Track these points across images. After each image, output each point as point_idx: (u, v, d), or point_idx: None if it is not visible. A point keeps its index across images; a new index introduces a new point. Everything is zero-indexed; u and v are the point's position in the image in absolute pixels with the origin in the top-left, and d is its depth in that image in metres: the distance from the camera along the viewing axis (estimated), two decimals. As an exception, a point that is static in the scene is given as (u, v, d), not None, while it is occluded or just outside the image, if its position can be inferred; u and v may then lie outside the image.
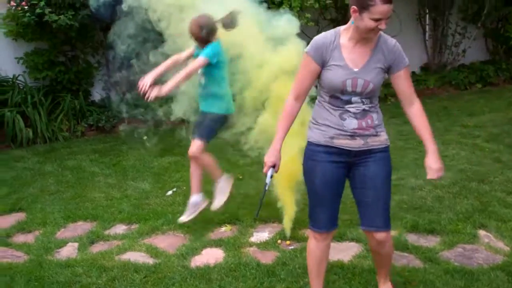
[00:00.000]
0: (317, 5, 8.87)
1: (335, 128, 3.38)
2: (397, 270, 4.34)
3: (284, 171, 4.97)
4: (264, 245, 4.92)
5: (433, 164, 3.64)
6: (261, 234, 5.15)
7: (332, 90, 3.33)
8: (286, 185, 5.04)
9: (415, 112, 3.64)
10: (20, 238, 5.36)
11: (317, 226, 3.66)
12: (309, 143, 3.51)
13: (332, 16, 10.49)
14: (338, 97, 3.34)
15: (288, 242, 4.94)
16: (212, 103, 5.05)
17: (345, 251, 4.72)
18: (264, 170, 3.51)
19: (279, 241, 4.97)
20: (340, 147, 3.41)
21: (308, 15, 8.89)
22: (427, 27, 11.91)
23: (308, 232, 3.81)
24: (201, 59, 4.76)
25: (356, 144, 3.42)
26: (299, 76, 3.43)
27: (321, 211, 3.63)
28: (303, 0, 8.81)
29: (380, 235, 3.57)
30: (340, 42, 3.30)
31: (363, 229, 3.65)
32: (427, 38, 11.89)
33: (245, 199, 5.88)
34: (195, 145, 5.01)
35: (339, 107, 3.37)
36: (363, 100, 3.39)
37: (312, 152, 3.48)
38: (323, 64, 3.31)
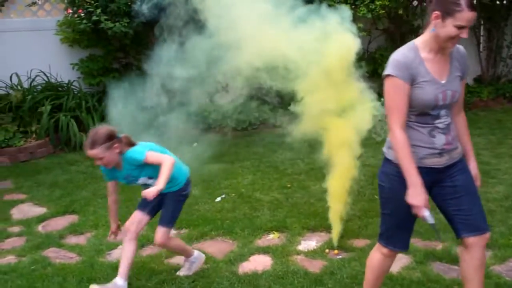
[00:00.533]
0: (369, 15, 8.84)
1: (426, 148, 3.24)
2: (446, 283, 4.29)
3: (336, 183, 5.03)
4: (311, 254, 4.92)
5: (473, 170, 3.53)
6: (309, 243, 5.15)
7: (423, 107, 3.16)
8: (337, 196, 5.06)
9: (462, 120, 3.58)
10: (72, 240, 5.51)
11: (398, 246, 3.59)
12: (392, 163, 3.34)
13: (384, 26, 10.43)
14: (428, 113, 3.19)
15: (336, 251, 4.93)
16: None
17: (394, 262, 4.60)
18: (420, 214, 3.28)
19: (326, 250, 4.96)
20: (430, 166, 3.28)
21: (360, 25, 8.86)
22: (481, 38, 11.70)
23: (378, 248, 3.71)
24: (167, 157, 4.22)
25: (443, 161, 3.29)
26: (396, 103, 3.15)
27: (404, 231, 3.56)
28: (355, 10, 8.80)
29: (486, 237, 3.46)
30: (422, 56, 3.15)
31: (466, 236, 3.45)
32: (481, 49, 11.68)
33: (293, 208, 5.90)
34: (161, 233, 4.38)
35: (427, 124, 3.22)
36: (448, 112, 3.28)
37: (397, 173, 3.27)
38: (411, 83, 3.13)
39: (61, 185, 7.02)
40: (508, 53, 11.53)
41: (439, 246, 4.92)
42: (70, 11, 9.08)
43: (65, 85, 9.25)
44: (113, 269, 4.72)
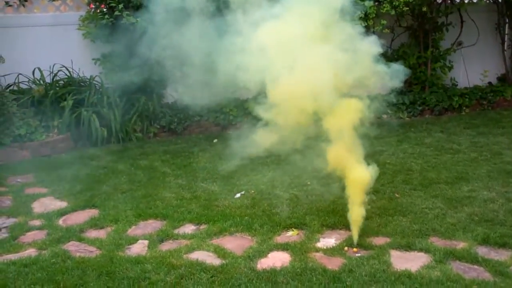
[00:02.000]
0: (393, 12, 8.78)
1: None
2: (466, 282, 4.26)
3: (354, 180, 5.01)
4: (330, 251, 4.90)
5: None
6: (328, 240, 5.13)
7: None
8: (355, 194, 5.04)
9: None
10: (92, 234, 5.54)
11: None
12: None
13: (408, 23, 10.35)
14: None
15: (355, 249, 4.90)
16: None
17: (413, 261, 4.66)
18: None
19: (346, 248, 4.94)
20: None
21: (384, 22, 8.81)
22: (506, 37, 11.55)
23: None
24: None
25: None
26: None
27: None
28: (378, 7, 8.74)
29: None
30: None
31: None
32: (505, 48, 11.53)
33: (313, 205, 5.88)
34: None
35: None
36: None
37: None
38: None
39: (82, 179, 7.07)
40: (533, 51, 11.38)
41: (459, 245, 4.88)
42: (93, 6, 9.13)
43: (87, 80, 9.30)
44: (132, 263, 4.76)
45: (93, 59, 9.36)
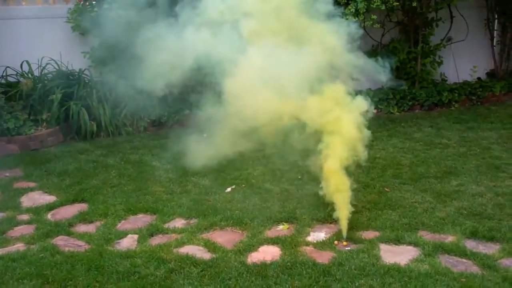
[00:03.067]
0: (383, 7, 8.78)
1: None
2: (454, 275, 4.29)
3: (332, 173, 5.06)
4: (320, 245, 4.91)
5: None
6: (318, 234, 5.14)
7: None
8: (335, 186, 5.08)
9: None
10: (81, 228, 5.52)
11: None
12: None
13: (398, 18, 10.36)
14: None
15: (345, 243, 4.92)
16: None
17: (402, 254, 4.68)
18: None
19: (335, 241, 4.95)
20: None
21: (374, 17, 8.82)
22: (495, 32, 11.60)
23: None
24: None
25: None
26: None
27: None
28: (369, 2, 8.74)
29: None
30: None
31: None
32: (494, 44, 11.57)
33: (303, 199, 5.89)
34: None
35: None
36: None
37: None
38: None
39: (71, 173, 7.04)
40: (522, 47, 11.44)
41: (448, 239, 4.91)
42: (82, 0, 9.08)
43: (76, 73, 9.25)
44: (122, 257, 4.75)
45: (82, 52, 9.32)
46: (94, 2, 8.82)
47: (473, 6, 10.78)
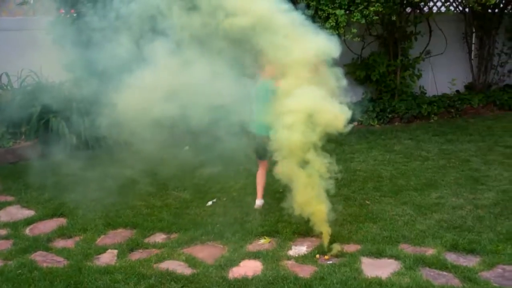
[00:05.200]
0: (363, 21, 8.86)
1: None
2: (435, 289, 4.31)
3: (301, 188, 5.05)
4: (302, 259, 4.91)
5: None
6: (300, 248, 5.14)
7: None
8: (305, 200, 5.12)
9: None
10: (60, 243, 5.46)
11: None
12: None
13: (378, 32, 10.45)
14: None
15: (326, 257, 4.91)
16: None
17: (383, 268, 4.68)
18: None
19: (317, 255, 4.95)
20: None
21: (354, 30, 8.88)
22: (473, 46, 11.75)
23: None
24: None
25: None
26: None
27: None
28: (349, 16, 8.81)
29: None
30: None
31: None
32: (472, 57, 11.73)
33: (284, 212, 5.84)
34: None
35: None
36: None
37: None
38: None
39: (49, 187, 6.96)
40: (499, 61, 11.59)
41: (428, 251, 4.93)
42: (63, 11, 9.02)
43: (56, 86, 9.16)
44: (101, 273, 4.69)
45: (62, 65, 9.23)
46: (75, 15, 8.77)
47: (451, 20, 10.91)
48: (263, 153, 5.87)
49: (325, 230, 5.08)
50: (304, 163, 5.11)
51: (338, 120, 4.99)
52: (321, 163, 5.07)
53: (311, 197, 5.08)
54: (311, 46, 5.15)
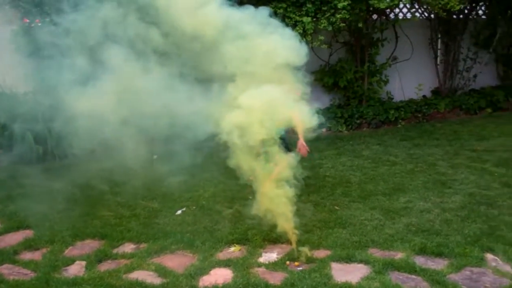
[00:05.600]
0: (330, 28, 8.92)
1: None
2: (405, 293, 4.34)
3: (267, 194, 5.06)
4: (273, 266, 4.90)
5: None
6: (270, 255, 5.13)
7: None
8: (271, 206, 5.10)
9: None
10: (27, 256, 5.36)
11: None
12: None
13: (345, 39, 10.54)
14: None
15: (297, 263, 4.91)
16: None
17: (353, 273, 4.70)
18: None
19: (287, 262, 4.95)
20: None
21: (322, 37, 8.94)
22: (438, 51, 11.93)
23: None
24: None
25: None
26: None
27: None
28: (316, 23, 8.86)
29: None
30: None
31: None
32: (438, 62, 11.90)
33: (254, 219, 5.84)
34: None
35: None
36: None
37: None
38: None
39: (15, 199, 6.84)
40: (465, 66, 11.77)
41: (397, 255, 4.96)
42: (27, 20, 8.90)
43: (20, 96, 9.02)
44: (69, 285, 4.63)
45: (25, 75, 9.11)
46: (39, 24, 8.65)
47: (417, 26, 11.06)
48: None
49: (290, 230, 5.07)
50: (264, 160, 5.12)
51: (301, 120, 5.02)
52: (281, 161, 5.08)
53: (272, 196, 5.07)
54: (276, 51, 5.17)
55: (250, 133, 4.91)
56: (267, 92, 4.95)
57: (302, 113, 5.04)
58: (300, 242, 5.12)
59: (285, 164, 5.06)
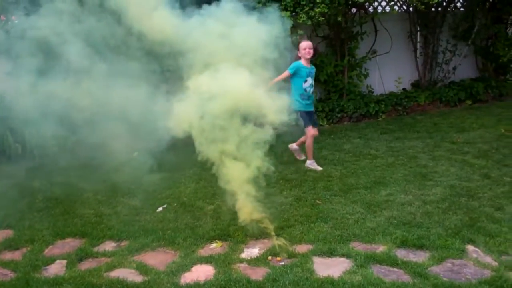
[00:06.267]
0: (309, 22, 8.92)
1: None
2: (386, 285, 4.34)
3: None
4: (254, 261, 4.88)
5: None
6: (252, 250, 5.12)
7: None
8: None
9: None
10: (7, 256, 5.29)
11: None
12: None
13: (324, 33, 10.54)
14: None
15: (278, 258, 4.91)
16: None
17: (335, 267, 4.70)
18: None
19: (269, 257, 4.94)
20: None
21: (301, 32, 8.94)
22: (418, 44, 11.99)
23: None
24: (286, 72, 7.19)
25: None
26: None
27: None
28: (295, 18, 8.85)
29: None
30: None
31: None
32: (418, 55, 11.97)
33: (236, 215, 5.83)
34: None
35: None
36: None
37: None
38: None
39: (-6, 199, 6.77)
40: (444, 58, 11.85)
41: (379, 249, 4.98)
42: (4, 18, 8.79)
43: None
44: (50, 285, 4.58)
45: (4, 73, 8.99)
46: (16, 22, 8.55)
47: (396, 19, 11.11)
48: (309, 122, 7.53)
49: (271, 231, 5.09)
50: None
51: (269, 109, 5.06)
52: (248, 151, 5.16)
53: (238, 186, 5.18)
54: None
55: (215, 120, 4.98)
56: (231, 79, 4.98)
57: (271, 103, 5.07)
58: (281, 237, 5.13)
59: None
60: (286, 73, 7.22)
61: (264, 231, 5.30)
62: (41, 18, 5.42)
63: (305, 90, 7.41)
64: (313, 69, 7.52)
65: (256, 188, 5.22)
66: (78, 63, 5.38)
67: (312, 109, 7.65)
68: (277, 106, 5.10)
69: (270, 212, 5.43)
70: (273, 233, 5.16)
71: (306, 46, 7.31)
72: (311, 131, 7.49)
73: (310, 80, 7.42)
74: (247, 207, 5.23)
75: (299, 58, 7.36)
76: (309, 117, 7.53)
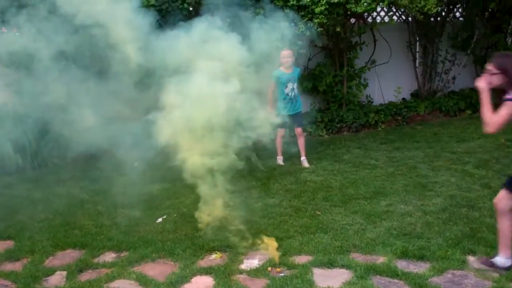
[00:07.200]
0: (308, 33, 8.94)
1: None
2: (387, 297, 4.35)
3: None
4: (254, 272, 4.89)
5: None
6: (251, 261, 5.12)
7: None
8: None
9: None
10: (7, 266, 5.30)
11: None
12: None
13: (323, 43, 10.57)
14: None
15: (278, 269, 4.91)
16: None
17: (335, 278, 4.71)
18: None
19: (269, 268, 4.94)
20: None
21: (300, 42, 8.96)
22: (417, 54, 12.01)
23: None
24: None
25: None
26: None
27: None
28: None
29: None
30: None
31: None
32: (417, 65, 11.98)
33: (236, 226, 5.85)
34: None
35: None
36: None
37: None
38: None
39: (-5, 209, 6.78)
40: (443, 68, 11.87)
41: (379, 260, 4.97)
42: (5, 30, 8.82)
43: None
44: (49, 296, 4.58)
45: (3, 84, 9.02)
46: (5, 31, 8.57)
47: (395, 29, 11.13)
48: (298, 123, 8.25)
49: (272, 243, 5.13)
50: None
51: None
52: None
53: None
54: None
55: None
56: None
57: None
58: (281, 248, 5.13)
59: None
60: (271, 85, 7.97)
61: (263, 242, 5.30)
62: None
63: (287, 94, 8.10)
64: (295, 72, 8.21)
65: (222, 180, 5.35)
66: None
67: (296, 111, 8.26)
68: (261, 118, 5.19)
69: (269, 222, 5.43)
70: (247, 234, 5.17)
71: (285, 55, 7.91)
72: (281, 131, 8.22)
73: (291, 85, 8.09)
74: (209, 204, 5.26)
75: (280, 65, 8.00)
76: (292, 119, 8.07)
